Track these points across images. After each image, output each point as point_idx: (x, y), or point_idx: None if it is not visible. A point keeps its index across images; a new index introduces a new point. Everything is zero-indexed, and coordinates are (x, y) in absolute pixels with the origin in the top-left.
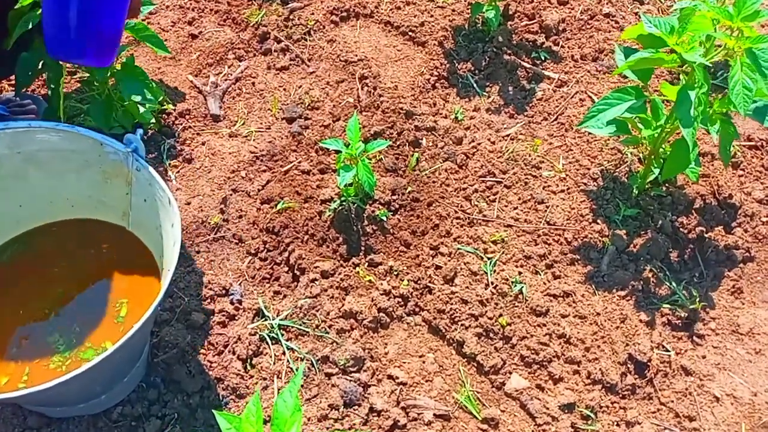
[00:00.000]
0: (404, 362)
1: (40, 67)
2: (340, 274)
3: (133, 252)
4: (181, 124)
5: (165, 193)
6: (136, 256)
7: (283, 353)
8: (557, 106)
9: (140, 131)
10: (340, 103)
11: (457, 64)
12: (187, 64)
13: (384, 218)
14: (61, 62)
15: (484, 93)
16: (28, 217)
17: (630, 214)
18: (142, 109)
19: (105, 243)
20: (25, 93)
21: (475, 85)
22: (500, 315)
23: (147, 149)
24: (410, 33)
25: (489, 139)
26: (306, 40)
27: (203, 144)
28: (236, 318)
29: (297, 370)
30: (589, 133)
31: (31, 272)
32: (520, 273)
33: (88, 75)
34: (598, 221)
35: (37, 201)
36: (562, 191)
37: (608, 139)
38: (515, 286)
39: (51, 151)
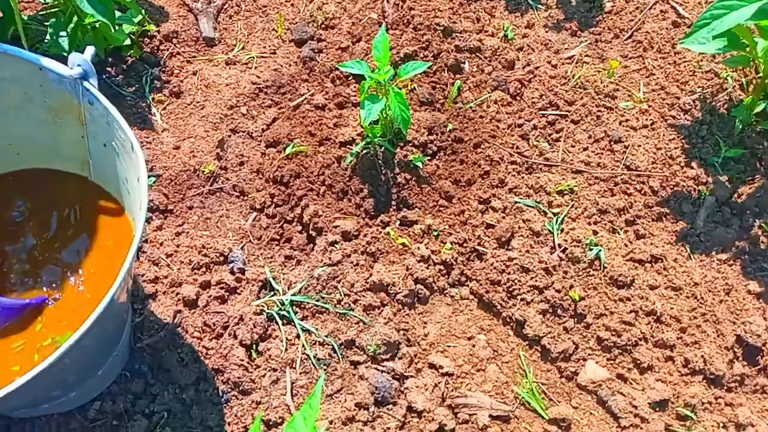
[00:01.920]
0: (449, 346)
1: None
2: (366, 235)
3: (99, 207)
4: (168, 49)
5: (127, 135)
6: (103, 211)
7: (297, 336)
8: (632, 20)
9: (92, 49)
10: (360, 20)
11: None
12: None
13: (419, 164)
14: None
15: (539, 5)
16: None
17: (732, 155)
18: (114, 30)
19: (63, 198)
20: None
21: None
22: (571, 287)
23: (126, 80)
24: None
25: (549, 62)
26: None
27: (194, 74)
28: (238, 291)
29: (315, 360)
30: (677, 53)
31: None
32: (594, 233)
33: None
34: (692, 165)
35: None
36: (645, 127)
37: (701, 60)
38: (589, 249)
39: None
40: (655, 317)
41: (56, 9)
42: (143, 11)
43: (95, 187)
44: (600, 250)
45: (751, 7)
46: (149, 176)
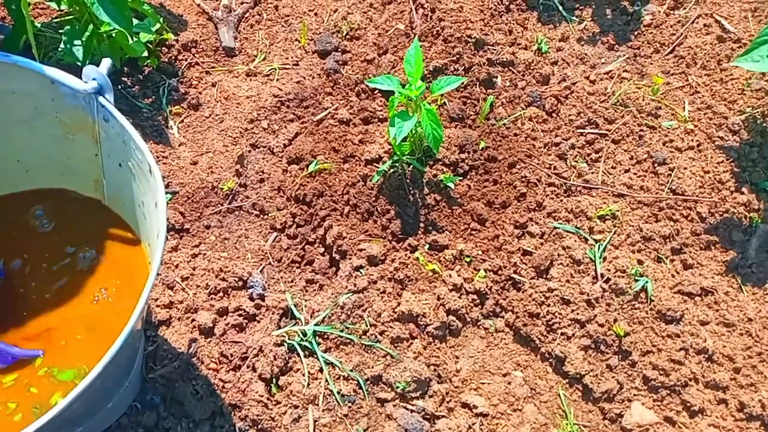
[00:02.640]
0: (483, 383)
1: None
2: (393, 260)
3: (111, 230)
4: (186, 59)
5: (144, 156)
6: (116, 237)
7: (320, 370)
8: (673, 34)
9: (108, 61)
10: (387, 31)
11: None
12: None
13: (450, 184)
14: None
15: (574, 17)
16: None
17: None
18: (131, 40)
19: (73, 223)
20: None
21: (560, 7)
22: (615, 321)
23: (143, 92)
24: None
25: (586, 77)
26: None
27: (214, 85)
28: (257, 319)
29: (339, 396)
30: (723, 70)
31: None
32: (639, 262)
33: None
34: (743, 190)
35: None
36: (690, 148)
37: (750, 77)
38: (635, 280)
39: None
40: (706, 356)
41: (71, 16)
42: (161, 19)
43: (108, 210)
44: (646, 282)
45: None
46: (165, 193)
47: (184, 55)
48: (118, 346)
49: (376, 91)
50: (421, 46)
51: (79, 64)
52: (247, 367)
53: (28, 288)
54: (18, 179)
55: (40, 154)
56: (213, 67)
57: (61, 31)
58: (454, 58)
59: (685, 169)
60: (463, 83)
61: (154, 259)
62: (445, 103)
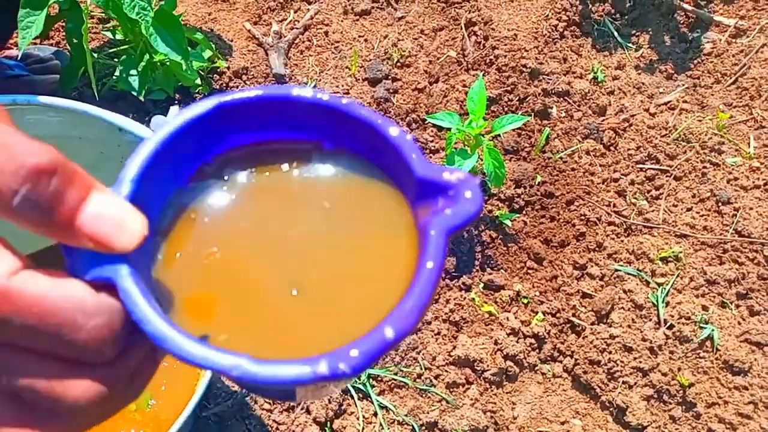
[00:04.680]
0: (540, 431)
1: (53, 13)
2: (448, 300)
3: None
4: (237, 86)
5: None
6: None
7: (374, 414)
8: (735, 64)
9: (175, 109)
10: (438, 59)
11: (591, 5)
12: (244, 8)
13: (507, 221)
14: (81, 6)
15: (630, 44)
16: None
17: None
18: (185, 67)
19: None
20: (49, 46)
21: (616, 34)
22: (679, 369)
23: None
24: None
25: (645, 109)
26: None
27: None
28: None
29: None
30: None
31: None
32: (704, 308)
33: (118, 24)
34: None
35: None
36: (756, 187)
37: None
38: (700, 327)
39: (50, 139)
40: None
41: (126, 45)
42: (213, 46)
43: None
44: (712, 330)
45: None
46: None
47: (235, 82)
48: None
49: (428, 121)
50: (472, 76)
51: (134, 92)
52: (302, 409)
53: None
54: None
55: None
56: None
57: (116, 59)
58: (509, 89)
59: (751, 209)
60: (515, 112)
61: None
62: (499, 135)
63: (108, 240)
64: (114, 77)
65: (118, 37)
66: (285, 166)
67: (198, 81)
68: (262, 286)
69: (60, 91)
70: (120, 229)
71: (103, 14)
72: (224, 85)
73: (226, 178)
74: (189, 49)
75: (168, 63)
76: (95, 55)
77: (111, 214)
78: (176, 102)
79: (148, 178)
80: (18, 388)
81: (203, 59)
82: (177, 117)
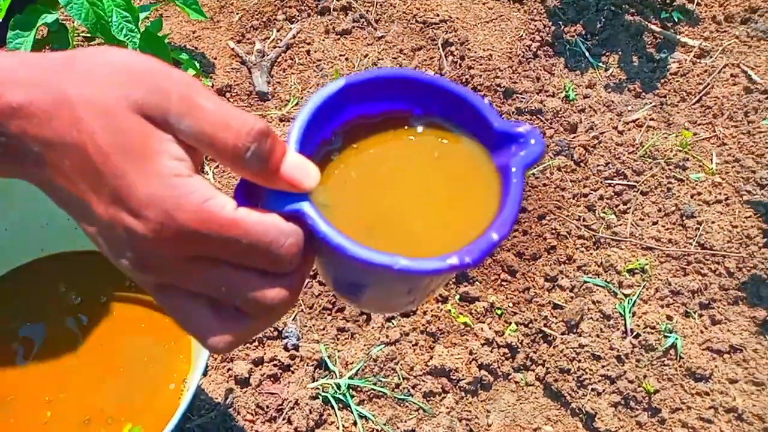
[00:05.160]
0: None
1: (42, 36)
2: (425, 312)
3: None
4: None
5: None
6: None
7: (354, 423)
8: (699, 83)
9: None
10: None
11: (563, 26)
12: (228, 27)
13: None
14: (68, 29)
15: (600, 64)
16: (11, 247)
17: None
18: None
19: (121, 287)
20: None
21: (587, 54)
22: (645, 377)
23: None
24: None
25: (613, 127)
26: None
27: (248, 113)
28: (291, 369)
29: None
30: (750, 122)
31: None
32: (668, 317)
33: (104, 43)
34: None
35: (27, 222)
36: (718, 201)
37: None
38: (664, 336)
39: None
40: (735, 414)
41: None
42: (197, 65)
43: None
44: (676, 339)
45: None
46: None
47: None
48: None
49: None
50: None
51: None
52: (283, 419)
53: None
54: (64, 239)
55: None
56: (247, 111)
57: None
58: None
59: (713, 222)
60: None
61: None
62: None
63: (300, 182)
64: None
65: None
66: (388, 128)
67: None
68: (395, 209)
69: None
70: (307, 174)
71: (89, 33)
72: None
73: (349, 136)
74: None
75: None
76: None
77: (299, 164)
78: None
79: (304, 137)
80: (226, 296)
81: None
82: (315, 94)
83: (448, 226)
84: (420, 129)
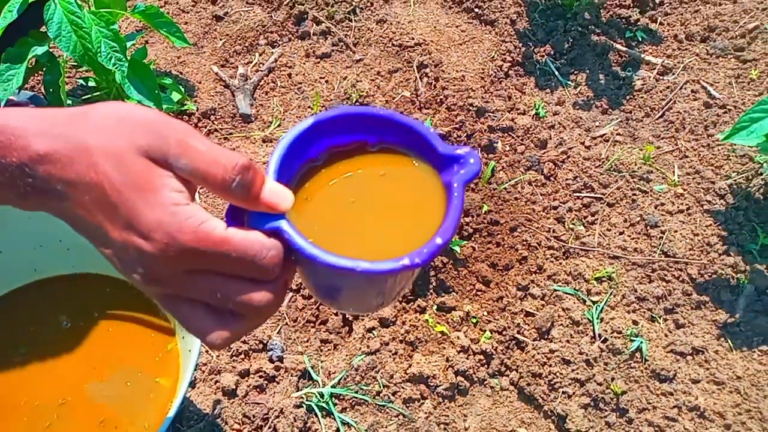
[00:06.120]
0: None
1: (31, 65)
2: (404, 322)
3: (145, 320)
4: (206, 126)
5: None
6: (149, 325)
7: (337, 430)
8: (662, 99)
9: None
10: (394, 98)
11: (533, 47)
12: (212, 52)
13: (456, 248)
14: (58, 60)
15: (569, 82)
16: (7, 272)
17: None
18: None
19: (110, 307)
20: (26, 91)
21: (556, 73)
22: (612, 379)
23: None
24: (476, 9)
25: (581, 142)
26: (351, 20)
27: (232, 151)
28: (277, 380)
29: None
30: (709, 135)
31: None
32: (634, 322)
33: (92, 73)
34: (730, 252)
35: (19, 245)
36: (680, 211)
37: (734, 144)
38: (630, 341)
39: None
40: (698, 413)
41: (100, 92)
42: (182, 89)
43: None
44: (641, 342)
45: None
46: None
47: (203, 123)
48: None
49: None
50: (425, 113)
51: None
52: (269, 428)
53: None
54: (58, 261)
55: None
56: (231, 134)
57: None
58: (457, 126)
59: (676, 231)
60: None
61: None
62: None
63: (276, 205)
64: None
65: (91, 84)
66: (352, 155)
67: None
68: (359, 222)
69: None
70: (283, 199)
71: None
72: (194, 125)
73: (321, 163)
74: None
75: None
76: (70, 101)
77: (277, 191)
78: None
79: (281, 167)
80: (221, 300)
81: (173, 102)
82: (289, 131)
83: (402, 234)
84: (379, 155)
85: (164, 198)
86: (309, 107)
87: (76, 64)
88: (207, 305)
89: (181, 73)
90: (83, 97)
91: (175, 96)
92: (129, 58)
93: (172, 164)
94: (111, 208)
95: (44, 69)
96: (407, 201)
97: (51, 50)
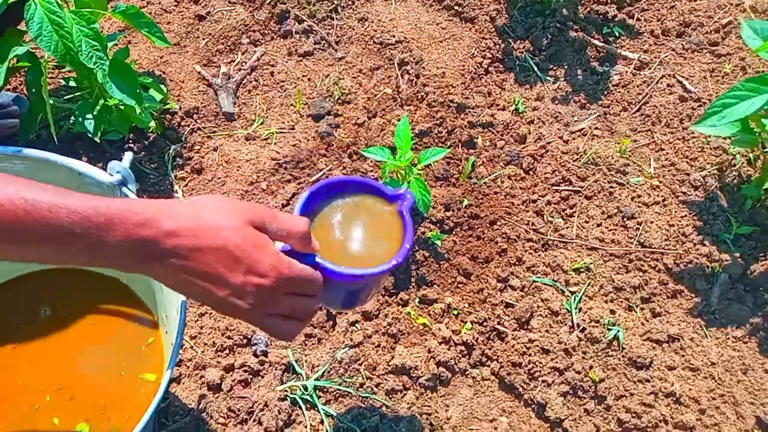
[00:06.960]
0: (472, 429)
1: (11, 64)
2: (386, 315)
3: (129, 314)
4: (189, 125)
5: None
6: (133, 319)
7: (321, 422)
8: (639, 94)
9: (129, 155)
10: (376, 95)
11: (513, 44)
12: (194, 51)
13: (437, 242)
14: (40, 61)
15: (548, 78)
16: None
17: (744, 232)
18: (139, 110)
19: (91, 300)
20: (8, 92)
21: (536, 69)
22: (590, 367)
23: (149, 157)
24: (456, 7)
25: (560, 137)
26: (332, 18)
27: (215, 150)
28: (261, 374)
29: None
30: (685, 128)
31: None
32: (612, 312)
33: (74, 74)
34: (705, 242)
35: None
36: (656, 203)
37: (708, 136)
38: (608, 329)
39: None
40: (674, 398)
41: (82, 91)
42: (165, 89)
43: (127, 290)
44: (618, 331)
45: (762, 97)
46: None
47: (186, 121)
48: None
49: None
50: (406, 110)
51: (90, 134)
52: (254, 421)
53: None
54: None
55: None
56: (214, 132)
57: (72, 102)
58: (438, 122)
59: (652, 222)
60: (444, 143)
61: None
62: (430, 164)
63: (316, 247)
64: (71, 120)
65: (72, 84)
66: (337, 199)
67: (152, 123)
68: (345, 243)
69: (21, 136)
70: (317, 244)
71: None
72: (176, 124)
73: (326, 206)
74: (142, 92)
75: (123, 107)
76: (52, 101)
77: (314, 238)
78: (130, 147)
79: (302, 212)
80: (291, 311)
81: (155, 101)
82: (307, 189)
83: (380, 247)
84: (356, 199)
85: (271, 250)
86: (292, 105)
87: (58, 64)
88: (282, 315)
89: (164, 73)
90: (65, 98)
91: (157, 95)
92: (110, 57)
93: (267, 228)
94: (233, 261)
95: (26, 70)
96: (379, 226)
97: (32, 50)
